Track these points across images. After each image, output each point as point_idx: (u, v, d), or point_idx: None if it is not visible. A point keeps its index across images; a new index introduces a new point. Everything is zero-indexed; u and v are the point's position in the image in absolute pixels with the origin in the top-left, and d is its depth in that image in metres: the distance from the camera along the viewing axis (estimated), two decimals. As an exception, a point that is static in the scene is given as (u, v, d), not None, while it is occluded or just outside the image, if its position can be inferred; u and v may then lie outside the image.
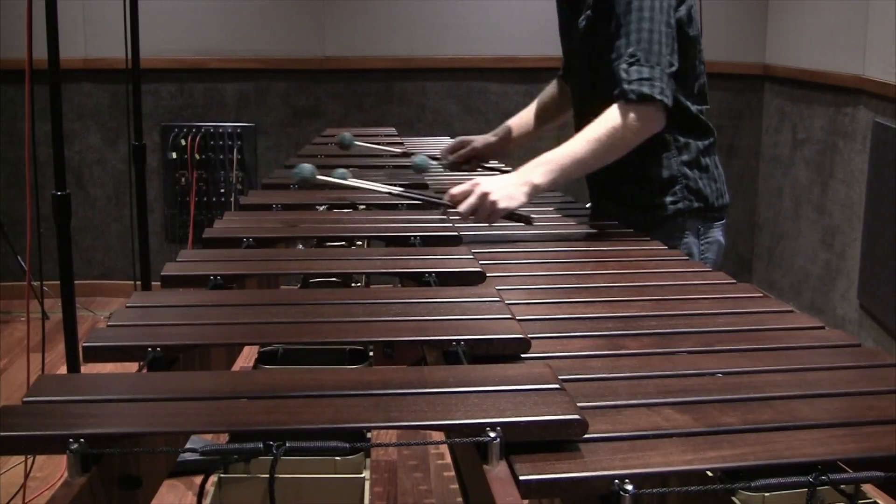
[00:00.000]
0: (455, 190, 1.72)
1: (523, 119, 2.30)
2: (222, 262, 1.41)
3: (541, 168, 1.71)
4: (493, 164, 2.41)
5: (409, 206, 1.83)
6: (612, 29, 1.76)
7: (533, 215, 1.85)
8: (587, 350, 1.15)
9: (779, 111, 4.28)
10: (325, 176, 1.87)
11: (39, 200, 2.36)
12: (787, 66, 4.14)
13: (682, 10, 1.78)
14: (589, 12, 1.84)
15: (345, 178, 1.88)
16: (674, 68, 1.72)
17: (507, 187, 1.69)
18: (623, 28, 1.71)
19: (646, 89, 1.67)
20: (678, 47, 1.76)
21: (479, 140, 2.31)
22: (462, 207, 1.69)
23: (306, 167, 1.84)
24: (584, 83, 1.96)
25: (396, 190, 1.89)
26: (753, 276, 4.53)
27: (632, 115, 1.69)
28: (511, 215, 1.71)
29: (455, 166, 2.32)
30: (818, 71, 3.82)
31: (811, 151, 3.94)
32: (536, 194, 1.72)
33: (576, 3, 1.90)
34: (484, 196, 1.67)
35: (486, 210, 1.68)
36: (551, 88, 2.27)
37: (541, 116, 2.28)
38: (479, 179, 1.72)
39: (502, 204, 1.68)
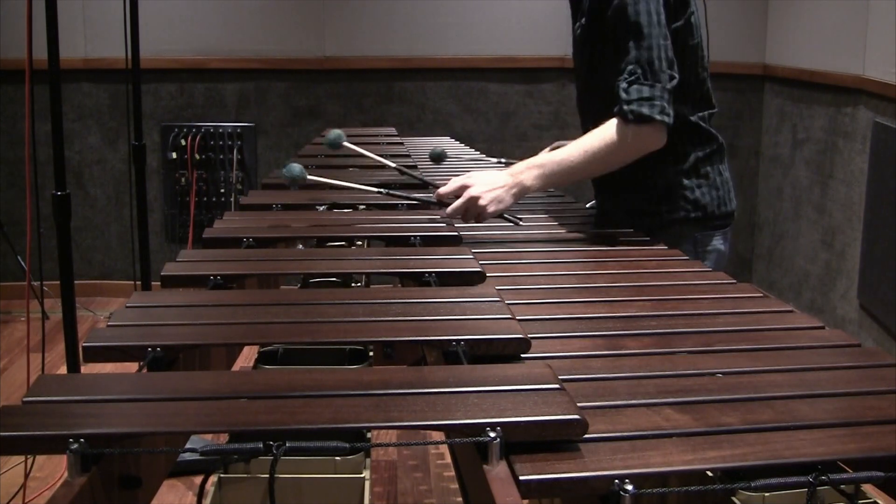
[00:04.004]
0: (443, 189, 1.71)
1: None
2: (222, 262, 1.41)
3: (534, 171, 1.71)
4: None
5: (409, 206, 1.83)
6: (609, 42, 1.73)
7: (532, 215, 1.85)
8: (587, 350, 1.15)
9: (779, 111, 4.28)
10: (314, 175, 1.86)
11: (39, 200, 2.36)
12: (787, 66, 4.14)
13: (682, 21, 1.75)
14: (583, 20, 1.84)
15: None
16: (675, 82, 1.68)
17: (495, 190, 1.68)
18: (622, 46, 1.69)
19: (645, 110, 1.65)
20: (679, 60, 1.73)
21: None
22: (449, 210, 1.69)
23: (296, 167, 1.81)
24: (583, 87, 1.97)
25: (385, 189, 1.86)
26: (753, 276, 4.53)
27: (630, 135, 1.67)
28: (499, 217, 1.72)
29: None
30: (818, 71, 3.82)
31: (811, 151, 3.94)
32: (524, 195, 1.73)
33: (574, 10, 1.90)
34: (473, 200, 1.67)
35: (473, 213, 1.68)
36: None
37: None
38: (466, 181, 1.70)
39: (491, 208, 1.68)
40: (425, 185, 1.98)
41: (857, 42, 3.50)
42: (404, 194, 1.85)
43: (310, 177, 1.80)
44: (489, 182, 1.69)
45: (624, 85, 1.67)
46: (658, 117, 1.65)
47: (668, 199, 1.85)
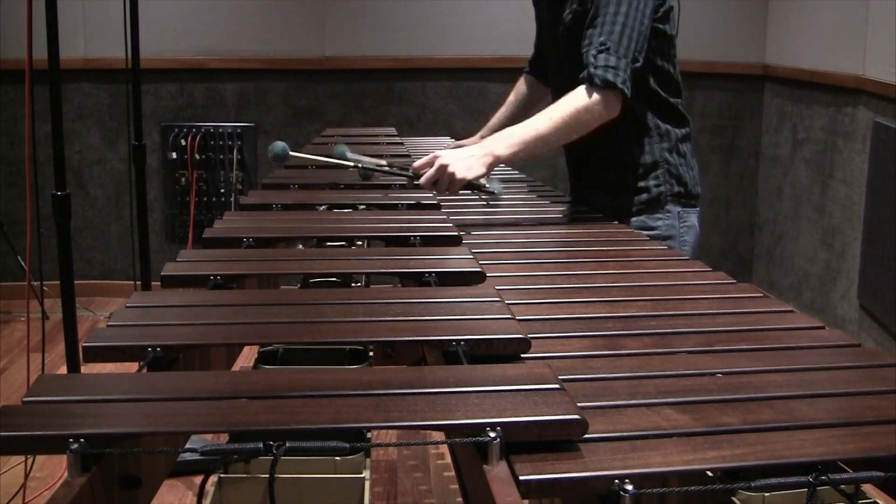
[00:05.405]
0: (418, 163, 1.81)
1: (503, 118, 2.40)
2: (222, 262, 1.41)
3: (504, 142, 1.79)
4: None
5: (388, 181, 1.89)
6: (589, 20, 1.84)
7: (533, 215, 1.85)
8: (587, 350, 1.15)
9: (779, 111, 4.28)
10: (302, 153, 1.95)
11: (39, 200, 2.36)
12: (787, 66, 4.14)
13: (660, 12, 1.86)
14: (576, 6, 1.89)
15: (343, 156, 1.94)
16: (638, 64, 1.80)
17: (466, 159, 1.76)
18: (599, 18, 1.80)
19: (610, 76, 1.76)
20: (657, 44, 1.85)
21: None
22: (422, 179, 1.78)
23: (279, 144, 1.87)
24: (567, 76, 1.99)
25: (363, 162, 1.95)
26: (753, 276, 4.53)
27: (595, 99, 1.77)
28: (470, 186, 1.79)
29: None
30: (818, 71, 3.82)
31: (811, 151, 3.94)
32: (497, 165, 1.81)
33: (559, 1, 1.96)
34: (443, 168, 1.75)
35: (445, 181, 1.76)
36: (521, 85, 2.40)
37: (518, 112, 2.38)
38: (439, 152, 1.80)
39: (460, 175, 1.75)
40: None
41: (857, 42, 3.50)
42: (383, 170, 1.93)
43: (292, 153, 1.87)
44: (460, 152, 1.80)
45: (593, 52, 1.79)
46: (620, 86, 1.77)
47: (653, 174, 1.94)
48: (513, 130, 1.81)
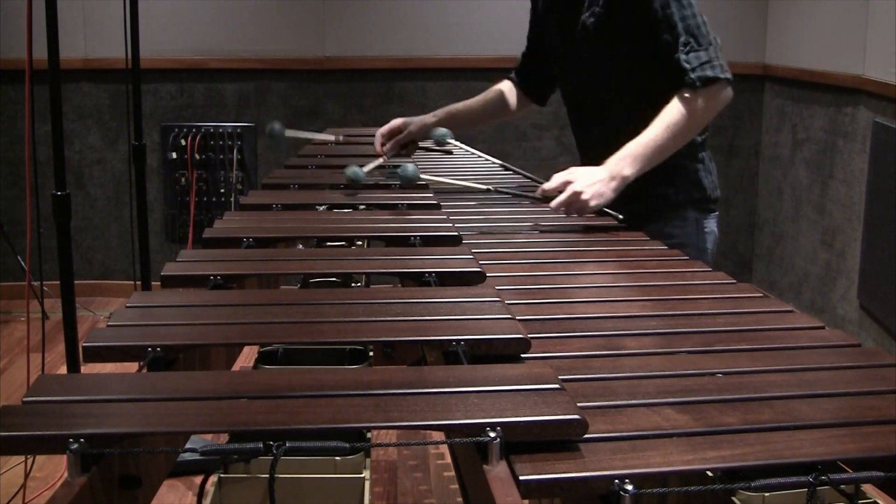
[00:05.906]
0: (548, 185, 1.80)
1: (467, 108, 2.36)
2: (222, 262, 1.41)
3: (627, 160, 1.78)
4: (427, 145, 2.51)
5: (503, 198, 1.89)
6: (629, 32, 1.83)
7: (533, 215, 1.86)
8: (587, 350, 1.14)
9: (779, 111, 4.28)
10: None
11: (39, 200, 2.36)
12: (787, 66, 4.14)
13: None
14: (597, 8, 1.87)
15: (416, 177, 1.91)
16: (719, 41, 1.81)
17: (596, 184, 1.75)
18: (665, 23, 1.80)
19: (709, 72, 1.77)
20: None
21: (415, 125, 2.36)
22: (554, 204, 1.76)
23: (409, 167, 1.85)
24: (583, 80, 1.99)
25: (493, 188, 1.97)
26: (753, 276, 4.53)
27: (701, 100, 1.78)
28: (600, 212, 1.80)
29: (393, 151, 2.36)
30: (818, 71, 3.82)
31: (811, 151, 3.94)
32: (624, 186, 1.79)
33: (575, 3, 1.93)
34: (576, 195, 1.75)
35: (576, 207, 1.76)
36: (501, 91, 2.34)
37: (485, 112, 2.35)
38: (570, 176, 1.78)
39: (593, 203, 1.75)
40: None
41: (857, 42, 3.50)
42: (510, 191, 1.95)
43: (423, 176, 1.84)
44: (591, 177, 1.77)
45: (683, 56, 1.79)
46: (722, 75, 1.78)
47: (674, 180, 1.93)
48: (635, 149, 1.78)
